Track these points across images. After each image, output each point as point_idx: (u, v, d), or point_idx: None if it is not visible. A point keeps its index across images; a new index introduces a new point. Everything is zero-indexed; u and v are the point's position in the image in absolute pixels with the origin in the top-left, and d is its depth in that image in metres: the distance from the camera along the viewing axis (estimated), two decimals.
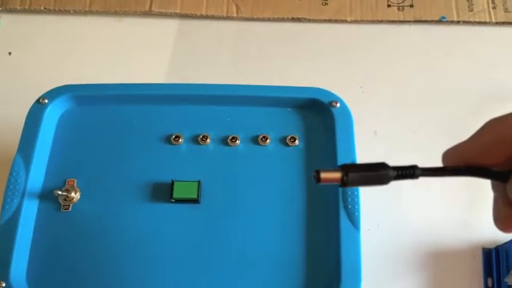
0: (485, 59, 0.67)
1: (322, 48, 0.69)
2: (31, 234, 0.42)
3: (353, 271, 0.39)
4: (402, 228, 0.56)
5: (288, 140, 0.46)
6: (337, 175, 0.25)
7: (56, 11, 0.71)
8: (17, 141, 0.44)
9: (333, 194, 0.43)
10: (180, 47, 0.69)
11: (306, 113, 0.47)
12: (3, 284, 0.39)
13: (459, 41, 0.69)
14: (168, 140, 0.46)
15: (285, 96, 0.47)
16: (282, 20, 0.70)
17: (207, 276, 0.41)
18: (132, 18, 0.71)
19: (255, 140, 0.46)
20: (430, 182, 0.57)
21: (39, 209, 0.43)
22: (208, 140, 0.46)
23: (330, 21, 0.70)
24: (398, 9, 0.70)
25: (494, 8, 0.70)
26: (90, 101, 0.48)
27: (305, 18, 0.70)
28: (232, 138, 0.46)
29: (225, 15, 0.70)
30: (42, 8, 0.70)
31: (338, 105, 0.46)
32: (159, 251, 0.42)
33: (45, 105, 0.46)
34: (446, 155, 0.27)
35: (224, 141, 0.46)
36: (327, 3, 0.71)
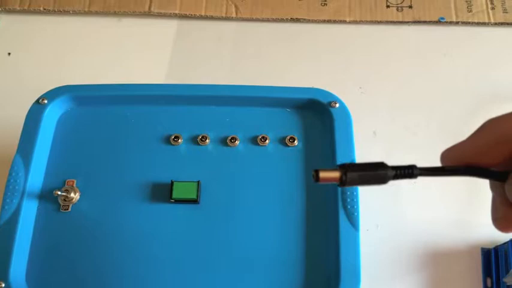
0: (484, 59, 0.68)
1: (321, 49, 0.69)
2: (30, 234, 0.42)
3: (352, 271, 0.39)
4: (401, 228, 0.56)
5: (287, 141, 0.46)
6: (336, 174, 0.25)
7: (55, 11, 0.71)
8: (17, 142, 0.44)
9: (332, 194, 0.43)
10: (180, 48, 0.69)
11: (305, 114, 0.47)
12: (3, 284, 0.39)
13: (458, 41, 0.69)
14: (167, 140, 0.46)
15: (284, 97, 0.47)
16: (281, 20, 0.71)
17: (207, 277, 0.41)
18: (132, 19, 0.71)
19: (254, 141, 0.46)
20: (429, 182, 0.57)
21: (38, 210, 0.43)
22: (207, 141, 0.46)
23: (329, 21, 0.70)
24: (397, 9, 0.70)
25: (493, 8, 0.70)
26: (89, 101, 0.48)
27: (304, 19, 0.70)
28: (232, 138, 0.46)
29: (224, 15, 0.70)
30: (41, 8, 0.70)
31: (337, 105, 0.46)
32: (159, 251, 0.42)
33: (44, 106, 0.46)
34: (445, 155, 0.27)
35: (223, 141, 0.46)
36: (326, 4, 0.71)
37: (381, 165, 0.25)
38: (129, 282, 0.41)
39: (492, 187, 0.27)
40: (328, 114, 0.46)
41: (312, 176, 0.25)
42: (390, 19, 0.70)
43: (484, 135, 0.25)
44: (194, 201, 0.43)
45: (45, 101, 0.46)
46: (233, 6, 0.71)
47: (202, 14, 0.70)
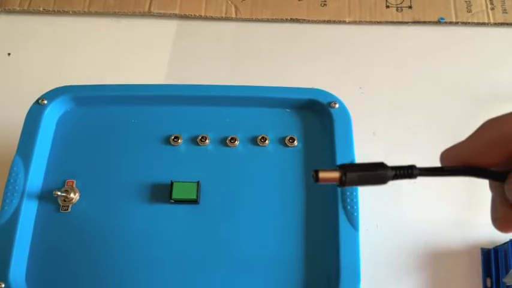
0: (484, 59, 0.68)
1: (321, 49, 0.69)
2: (30, 235, 0.42)
3: (352, 271, 0.39)
4: (401, 228, 0.56)
5: (286, 141, 0.46)
6: (335, 175, 0.25)
7: (55, 11, 0.71)
8: (16, 142, 0.44)
9: (332, 195, 0.43)
10: (179, 48, 0.69)
11: (305, 114, 0.47)
12: (3, 285, 0.39)
13: (458, 42, 0.69)
14: (167, 140, 0.46)
15: (283, 97, 0.47)
16: (281, 20, 0.71)
17: (207, 277, 0.41)
18: (131, 19, 0.71)
19: (254, 141, 0.46)
20: (429, 183, 0.57)
21: (38, 210, 0.43)
22: (207, 141, 0.46)
23: (328, 22, 0.70)
24: (397, 10, 0.70)
25: (492, 9, 0.70)
26: (89, 101, 0.48)
27: (304, 19, 0.70)
28: (231, 139, 0.46)
29: (224, 16, 0.70)
30: (41, 8, 0.70)
31: (337, 106, 0.46)
32: (159, 251, 0.42)
33: (44, 106, 0.46)
34: (444, 155, 0.27)
35: (223, 142, 0.46)
36: (326, 4, 0.71)
37: (380, 166, 0.25)
38: (129, 282, 0.41)
39: (491, 187, 0.27)
40: (328, 114, 0.46)
41: (312, 177, 0.25)
42: (390, 19, 0.70)
43: (484, 136, 0.25)
44: (194, 202, 0.43)
45: (45, 102, 0.46)
46: (233, 6, 0.71)
47: (202, 14, 0.70)
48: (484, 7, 0.70)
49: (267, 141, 0.46)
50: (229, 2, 0.71)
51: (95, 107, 0.48)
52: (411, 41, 0.69)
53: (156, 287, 0.41)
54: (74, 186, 0.44)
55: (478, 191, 0.55)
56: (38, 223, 0.43)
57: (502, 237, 0.51)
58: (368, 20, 0.70)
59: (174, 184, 0.43)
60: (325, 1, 0.71)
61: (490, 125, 0.25)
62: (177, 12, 0.70)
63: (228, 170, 0.45)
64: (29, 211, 0.43)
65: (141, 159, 0.45)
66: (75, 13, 0.71)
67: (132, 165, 0.45)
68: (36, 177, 0.44)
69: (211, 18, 0.71)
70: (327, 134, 0.45)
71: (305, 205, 0.43)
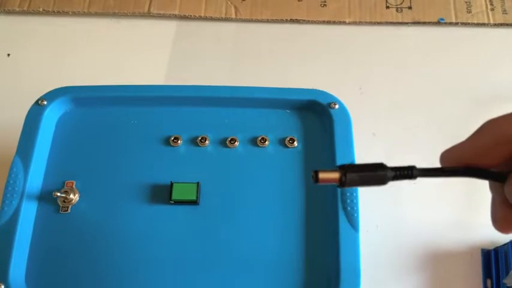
0: (484, 60, 0.68)
1: (321, 50, 0.69)
2: (30, 235, 0.42)
3: (352, 272, 0.39)
4: (401, 229, 0.56)
5: (286, 142, 0.46)
6: (335, 175, 0.25)
7: (54, 12, 0.71)
8: (16, 143, 0.44)
9: (332, 196, 0.43)
10: (179, 49, 0.69)
11: (305, 115, 0.47)
12: (2, 286, 0.39)
13: (457, 42, 0.69)
14: (167, 141, 0.46)
15: (283, 98, 0.47)
16: (281, 21, 0.71)
17: (207, 278, 0.41)
18: (131, 20, 0.71)
19: (253, 142, 0.46)
20: (429, 183, 0.57)
21: (38, 211, 0.43)
22: (207, 142, 0.46)
23: (328, 22, 0.70)
24: (397, 10, 0.70)
25: (492, 9, 0.70)
26: (89, 102, 0.48)
27: (304, 20, 0.70)
28: (231, 139, 0.46)
29: (223, 16, 0.70)
30: (40, 9, 0.70)
31: (337, 106, 0.46)
32: (158, 252, 0.42)
33: (44, 107, 0.46)
34: (444, 156, 0.27)
35: (223, 142, 0.46)
36: (326, 5, 0.71)
37: (380, 166, 0.25)
38: (129, 283, 0.41)
39: (492, 188, 0.27)
40: (328, 115, 0.46)
41: (312, 177, 0.25)
42: (390, 20, 0.70)
43: (484, 136, 0.25)
44: (194, 203, 0.43)
45: (45, 102, 0.46)
46: (232, 7, 0.71)
47: (202, 15, 0.70)
48: (484, 8, 0.70)
49: (266, 142, 0.45)
50: (229, 3, 0.71)
51: (94, 108, 0.48)
52: (411, 41, 0.69)
53: (156, 287, 0.41)
54: (74, 187, 0.44)
55: (478, 192, 0.55)
56: (37, 224, 0.43)
57: (503, 238, 0.51)
58: (368, 20, 0.70)
59: (174, 185, 0.43)
60: (325, 2, 0.71)
61: (489, 126, 0.25)
62: (176, 12, 0.70)
63: (228, 171, 0.45)
64: (29, 212, 0.43)
65: (140, 160, 0.45)
66: (75, 14, 0.71)
67: (132, 166, 0.45)
68: (35, 178, 0.44)
69: (211, 19, 0.71)
70: (326, 135, 0.45)
71: (305, 206, 0.43)
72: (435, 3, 0.70)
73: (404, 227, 0.56)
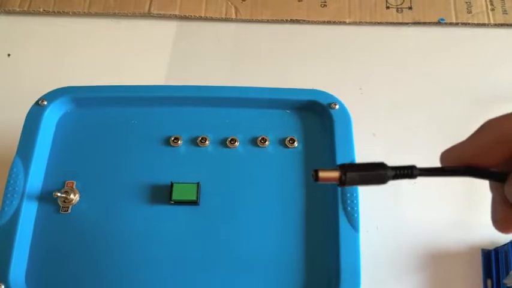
0: (484, 60, 0.68)
1: (321, 50, 0.69)
2: (30, 236, 0.42)
3: (352, 273, 0.39)
4: (401, 229, 0.56)
5: (287, 142, 0.46)
6: (335, 174, 0.25)
7: (54, 12, 0.71)
8: (16, 143, 0.44)
9: (332, 196, 0.43)
10: (179, 49, 0.69)
11: (305, 115, 0.47)
12: (3, 286, 0.39)
13: (458, 42, 0.69)
14: (167, 142, 0.46)
15: (284, 98, 0.47)
16: (281, 21, 0.71)
17: (207, 278, 0.41)
18: (131, 20, 0.71)
19: (254, 142, 0.46)
20: (429, 183, 0.57)
21: (38, 211, 0.43)
22: (207, 142, 0.46)
23: (328, 22, 0.70)
24: (397, 11, 0.70)
25: (492, 9, 0.70)
26: (89, 103, 0.48)
27: (304, 20, 0.70)
28: (231, 140, 0.46)
29: (223, 17, 0.70)
30: (41, 9, 0.70)
31: (337, 107, 0.46)
32: (159, 252, 0.42)
33: (44, 107, 0.46)
34: (444, 156, 0.27)
35: (223, 143, 0.46)
36: (326, 5, 0.71)
37: (380, 166, 0.25)
38: (129, 283, 0.41)
39: (492, 188, 0.27)
40: (328, 115, 0.46)
41: (312, 176, 0.25)
42: (390, 20, 0.70)
43: (483, 136, 0.25)
44: (194, 203, 0.43)
45: (45, 103, 0.46)
46: (233, 7, 0.71)
47: (202, 15, 0.70)
48: (484, 8, 0.70)
49: (267, 142, 0.45)
50: (229, 3, 0.71)
51: (94, 108, 0.48)
52: (411, 41, 0.69)
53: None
54: (74, 187, 0.44)
55: (479, 191, 0.55)
56: (37, 224, 0.43)
57: (503, 238, 0.51)
58: (368, 20, 0.70)
59: (174, 185, 0.43)
60: (325, 2, 0.71)
61: (489, 126, 0.25)
62: (177, 13, 0.70)
63: (228, 171, 0.45)
64: (29, 212, 0.43)
65: (141, 161, 0.45)
66: (75, 14, 0.71)
67: (132, 167, 0.45)
68: (36, 178, 0.44)
69: (211, 19, 0.71)
70: (327, 135, 0.45)
71: (305, 206, 0.43)
72: (435, 4, 0.70)
73: (405, 227, 0.56)
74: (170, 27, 0.71)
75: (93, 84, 0.48)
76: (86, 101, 0.48)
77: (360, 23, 0.70)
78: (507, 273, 0.49)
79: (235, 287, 0.41)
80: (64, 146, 0.46)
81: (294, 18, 0.70)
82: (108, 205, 0.43)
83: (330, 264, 0.41)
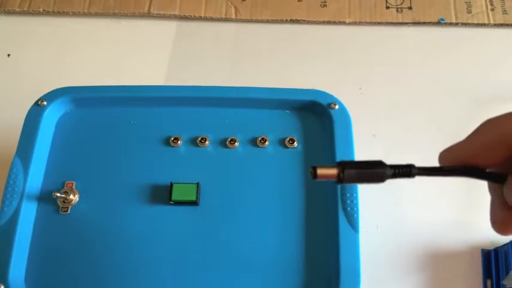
0: (484, 60, 0.68)
1: (321, 50, 0.69)
2: (30, 236, 0.42)
3: (352, 273, 0.39)
4: (401, 229, 0.56)
5: (286, 142, 0.46)
6: (333, 171, 0.25)
7: (54, 12, 0.71)
8: (16, 143, 0.44)
9: (331, 196, 0.43)
10: (179, 49, 0.69)
11: (305, 115, 0.47)
12: (2, 287, 0.39)
13: (458, 42, 0.69)
14: (167, 142, 0.46)
15: (283, 98, 0.47)
16: (281, 21, 0.71)
17: (207, 278, 0.41)
18: (131, 20, 0.71)
19: (253, 142, 0.46)
20: (429, 183, 0.57)
21: (37, 211, 0.43)
22: (207, 142, 0.46)
23: (328, 22, 0.70)
24: (397, 11, 0.70)
25: (492, 9, 0.70)
26: (88, 103, 0.48)
27: (304, 20, 0.70)
28: (231, 140, 0.46)
29: (223, 17, 0.70)
30: (41, 9, 0.70)
31: (337, 107, 0.46)
32: (158, 253, 0.42)
33: (43, 107, 0.46)
34: (443, 155, 0.27)
35: (223, 143, 0.46)
36: (326, 5, 0.71)
37: (379, 164, 0.25)
38: (129, 284, 0.41)
39: (491, 189, 0.27)
40: (328, 116, 0.46)
41: (310, 173, 0.25)
42: (390, 20, 0.70)
43: (481, 136, 0.25)
44: (194, 203, 0.43)
45: (45, 103, 0.46)
46: (233, 7, 0.71)
47: (202, 15, 0.70)
48: (484, 8, 0.70)
49: (266, 143, 0.45)
50: (229, 3, 0.71)
51: (94, 108, 0.48)
52: (411, 41, 0.69)
53: None
54: (74, 187, 0.44)
55: (479, 191, 0.54)
56: (37, 224, 0.43)
57: (503, 238, 0.51)
58: (368, 20, 0.70)
59: (174, 185, 0.43)
60: (325, 2, 0.71)
61: (487, 126, 0.25)
62: (176, 13, 0.70)
63: (228, 171, 0.45)
64: (29, 212, 0.43)
65: (140, 161, 0.45)
66: (75, 14, 0.71)
67: (132, 167, 0.45)
68: (35, 179, 0.44)
69: (211, 19, 0.71)
70: (326, 136, 0.45)
71: (305, 206, 0.43)
72: (435, 4, 0.70)
73: (404, 227, 0.56)
74: (170, 27, 0.71)
75: (93, 84, 0.48)
76: (86, 101, 0.48)
77: (360, 23, 0.70)
78: (507, 274, 0.49)
79: (235, 287, 0.41)
80: (64, 146, 0.46)
81: (293, 18, 0.70)
82: (107, 205, 0.43)
83: (330, 264, 0.40)
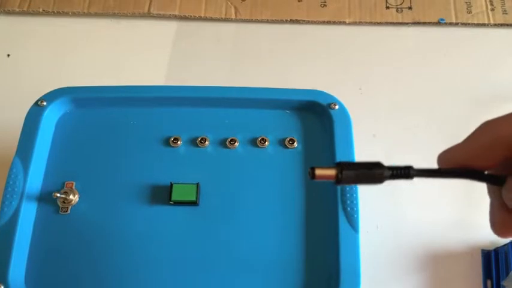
0: (484, 60, 0.67)
1: (321, 50, 0.69)
2: (30, 236, 0.42)
3: (352, 273, 0.39)
4: (401, 230, 0.56)
5: (286, 142, 0.46)
6: (331, 172, 0.25)
7: (54, 12, 0.71)
8: (16, 144, 0.44)
9: (331, 196, 0.43)
10: (179, 49, 0.69)
11: (305, 115, 0.47)
12: (2, 287, 0.39)
13: (457, 42, 0.69)
14: (166, 142, 0.46)
15: (283, 99, 0.47)
16: (281, 21, 0.71)
17: (207, 279, 0.41)
18: (131, 20, 0.71)
19: (253, 142, 0.46)
20: (429, 184, 0.57)
21: (37, 212, 0.43)
22: (207, 142, 0.46)
23: (328, 23, 0.70)
24: (397, 11, 0.70)
25: (492, 9, 0.70)
26: (88, 103, 0.48)
27: (304, 20, 0.70)
28: (231, 140, 0.46)
29: (223, 17, 0.70)
30: (40, 9, 0.70)
31: (337, 107, 0.46)
32: (158, 253, 0.42)
33: (43, 108, 0.46)
34: (441, 157, 0.27)
35: (223, 143, 0.46)
36: (326, 5, 0.71)
37: (377, 165, 0.25)
38: (129, 284, 0.41)
39: (490, 192, 0.27)
40: (328, 116, 0.46)
41: (308, 173, 0.25)
42: (390, 20, 0.70)
43: (480, 138, 0.25)
44: (193, 203, 0.43)
45: (44, 103, 0.46)
46: (232, 7, 0.71)
47: (202, 15, 0.70)
48: (484, 8, 0.70)
49: (266, 143, 0.45)
50: (229, 3, 0.71)
51: (94, 109, 0.48)
52: (411, 41, 0.69)
53: None
54: (74, 187, 0.44)
55: (479, 191, 0.55)
56: (37, 225, 0.43)
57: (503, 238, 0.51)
58: (368, 20, 0.70)
59: (174, 186, 0.43)
60: (325, 2, 0.71)
61: (486, 128, 0.25)
62: (176, 13, 0.70)
63: (228, 171, 0.45)
64: (28, 213, 0.43)
65: (140, 161, 0.45)
66: (75, 14, 0.71)
67: (132, 167, 0.45)
68: (35, 179, 0.44)
69: (211, 19, 0.71)
70: (326, 136, 0.45)
71: (305, 207, 0.43)
72: (435, 4, 0.70)
73: (404, 227, 0.56)
74: (170, 27, 0.71)
75: (93, 85, 0.48)
76: (86, 101, 0.48)
77: (360, 23, 0.70)
78: (507, 274, 0.49)
79: (235, 287, 0.41)
80: (63, 147, 0.46)
81: (293, 18, 0.70)
82: (107, 206, 0.43)
83: (330, 264, 0.40)
